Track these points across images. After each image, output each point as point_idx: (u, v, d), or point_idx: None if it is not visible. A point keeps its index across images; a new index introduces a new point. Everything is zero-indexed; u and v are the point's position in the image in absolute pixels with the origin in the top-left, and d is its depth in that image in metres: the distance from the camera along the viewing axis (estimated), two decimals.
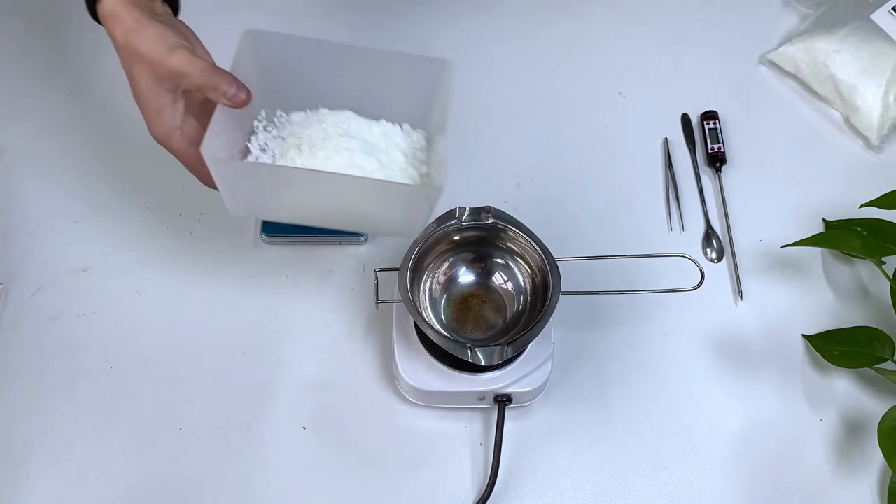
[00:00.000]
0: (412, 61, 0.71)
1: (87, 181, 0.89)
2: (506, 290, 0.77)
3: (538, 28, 1.02)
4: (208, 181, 0.66)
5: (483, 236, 0.76)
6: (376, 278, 0.76)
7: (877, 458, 0.78)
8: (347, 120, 0.73)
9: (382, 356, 0.81)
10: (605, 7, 1.04)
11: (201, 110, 0.67)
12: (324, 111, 0.74)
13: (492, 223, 0.74)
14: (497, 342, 0.70)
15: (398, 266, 0.72)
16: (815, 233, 0.83)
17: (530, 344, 0.75)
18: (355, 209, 0.68)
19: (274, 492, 0.75)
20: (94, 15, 0.65)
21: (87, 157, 0.91)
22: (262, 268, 0.85)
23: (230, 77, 0.64)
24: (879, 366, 0.77)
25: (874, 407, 0.80)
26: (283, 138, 0.73)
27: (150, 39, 0.62)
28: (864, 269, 0.88)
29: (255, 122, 0.73)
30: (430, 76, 0.72)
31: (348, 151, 0.69)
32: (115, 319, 0.82)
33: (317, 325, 0.82)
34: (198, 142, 0.64)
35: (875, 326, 0.81)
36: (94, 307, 0.83)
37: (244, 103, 0.64)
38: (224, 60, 0.67)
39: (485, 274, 0.78)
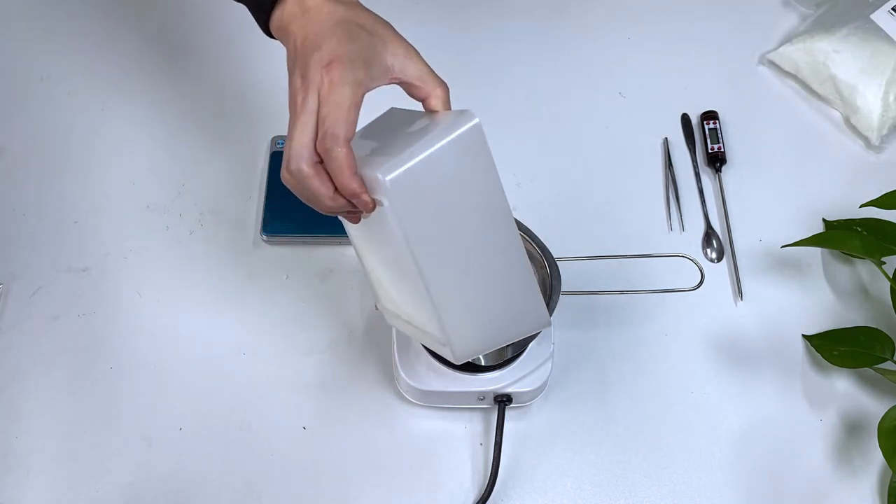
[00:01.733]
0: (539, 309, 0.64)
1: (88, 180, 0.89)
2: None
3: (538, 28, 1.02)
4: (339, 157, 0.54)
5: None
6: None
7: (877, 458, 0.78)
8: None
9: (382, 356, 0.81)
10: (605, 7, 1.03)
11: None
12: None
13: None
14: None
15: None
16: (815, 233, 0.83)
17: (530, 344, 0.75)
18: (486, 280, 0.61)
19: (274, 492, 0.75)
20: None
21: (87, 156, 0.91)
22: (262, 268, 0.85)
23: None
24: (879, 366, 0.77)
25: (874, 407, 0.80)
26: None
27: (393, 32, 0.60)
28: (864, 269, 0.87)
29: None
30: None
31: None
32: (115, 319, 0.82)
33: (317, 325, 0.82)
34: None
35: (875, 326, 0.81)
36: (94, 307, 0.83)
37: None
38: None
39: None
